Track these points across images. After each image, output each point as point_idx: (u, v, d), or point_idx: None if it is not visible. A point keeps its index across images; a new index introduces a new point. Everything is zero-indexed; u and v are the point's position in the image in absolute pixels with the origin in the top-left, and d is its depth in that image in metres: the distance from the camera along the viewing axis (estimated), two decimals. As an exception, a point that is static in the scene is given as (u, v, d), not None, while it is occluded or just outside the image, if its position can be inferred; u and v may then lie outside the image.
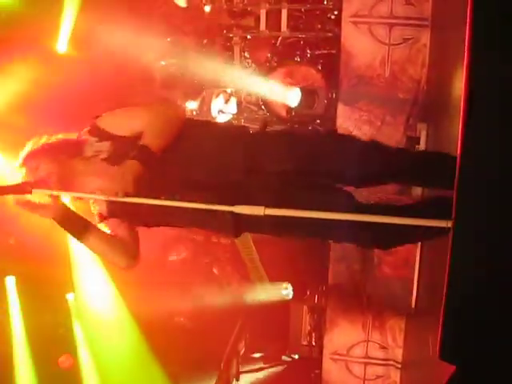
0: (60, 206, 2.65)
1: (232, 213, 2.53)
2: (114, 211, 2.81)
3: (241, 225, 2.74)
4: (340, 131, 5.70)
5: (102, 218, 2.87)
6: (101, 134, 2.75)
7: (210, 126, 3.00)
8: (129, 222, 2.86)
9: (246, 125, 2.92)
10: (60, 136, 2.87)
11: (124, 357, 6.27)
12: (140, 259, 2.88)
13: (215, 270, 7.11)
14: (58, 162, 2.71)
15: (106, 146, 2.73)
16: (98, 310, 6.18)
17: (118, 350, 6.24)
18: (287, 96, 6.25)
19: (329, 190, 2.78)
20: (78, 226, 2.70)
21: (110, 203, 2.72)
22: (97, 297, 6.20)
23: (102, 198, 2.68)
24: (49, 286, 6.06)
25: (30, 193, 2.53)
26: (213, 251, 7.06)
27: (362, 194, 2.82)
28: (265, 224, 2.70)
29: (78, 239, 2.71)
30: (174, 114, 2.79)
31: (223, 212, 2.55)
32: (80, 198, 2.83)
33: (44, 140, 2.84)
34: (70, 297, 6.44)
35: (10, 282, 6.15)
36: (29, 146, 2.81)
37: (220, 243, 6.97)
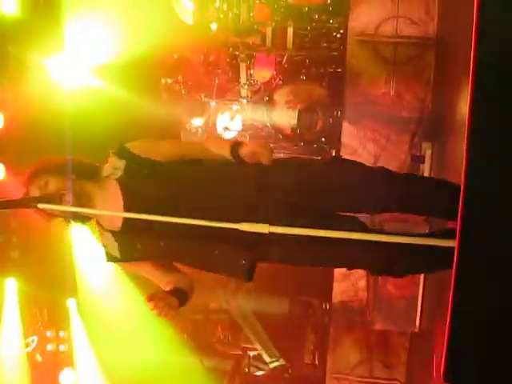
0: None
1: (246, 257, 2.60)
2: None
3: (254, 267, 2.74)
4: (345, 151, 5.73)
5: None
6: (125, 154, 2.75)
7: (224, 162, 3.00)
8: (142, 257, 2.87)
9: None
10: (72, 157, 2.88)
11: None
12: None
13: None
14: (68, 181, 2.70)
15: (122, 164, 2.74)
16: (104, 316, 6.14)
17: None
18: (286, 116, 6.29)
19: (337, 217, 2.77)
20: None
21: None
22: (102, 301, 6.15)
23: (109, 213, 2.69)
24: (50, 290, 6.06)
25: (36, 208, 2.53)
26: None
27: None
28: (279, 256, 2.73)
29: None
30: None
31: (237, 256, 2.61)
32: (88, 218, 2.83)
33: (54, 159, 2.84)
34: (71, 302, 6.44)
35: (11, 284, 6.13)
36: (39, 163, 2.81)
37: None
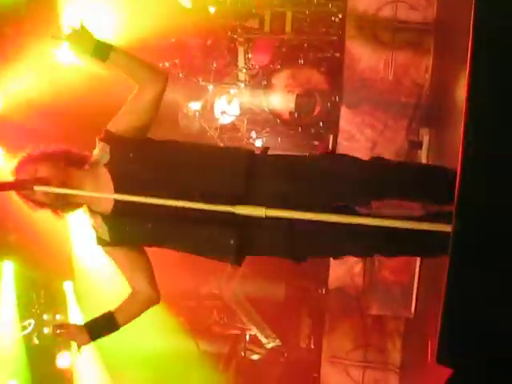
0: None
1: (235, 239, 2.61)
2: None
3: (243, 250, 2.74)
4: (343, 136, 5.73)
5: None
6: (109, 138, 2.76)
7: (210, 146, 3.03)
8: (130, 240, 2.88)
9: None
10: (59, 145, 2.88)
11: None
12: None
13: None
14: (56, 169, 2.70)
15: (107, 148, 2.75)
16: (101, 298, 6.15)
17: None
18: (284, 100, 6.28)
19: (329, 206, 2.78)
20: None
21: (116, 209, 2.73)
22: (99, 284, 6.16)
23: (104, 196, 2.70)
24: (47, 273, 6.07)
25: (32, 189, 2.53)
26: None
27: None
28: (269, 244, 2.75)
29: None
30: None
31: (225, 238, 2.62)
32: (78, 206, 2.84)
33: (43, 147, 2.85)
34: (67, 285, 6.45)
35: (8, 267, 6.13)
36: (27, 152, 2.81)
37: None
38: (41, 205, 2.73)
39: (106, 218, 2.78)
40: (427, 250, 2.96)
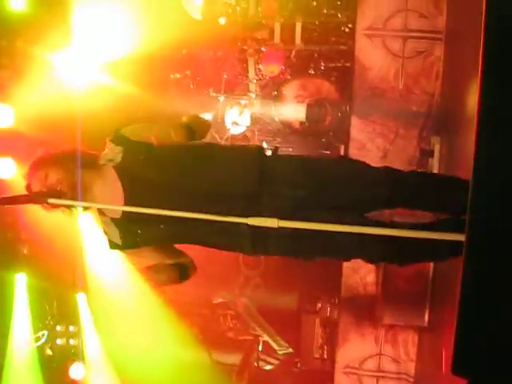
0: None
1: (249, 227, 2.55)
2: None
3: (257, 241, 2.72)
4: (354, 146, 5.72)
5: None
6: (121, 140, 2.77)
7: (225, 147, 3.04)
8: (144, 242, 2.87)
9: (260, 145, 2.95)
10: (68, 146, 2.90)
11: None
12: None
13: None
14: (67, 171, 2.72)
15: (118, 150, 2.75)
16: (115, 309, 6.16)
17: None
18: (294, 110, 6.29)
19: (341, 212, 2.77)
20: None
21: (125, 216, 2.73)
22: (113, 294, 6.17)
23: (116, 208, 2.71)
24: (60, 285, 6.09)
25: (47, 202, 2.54)
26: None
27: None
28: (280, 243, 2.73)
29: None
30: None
31: (240, 227, 2.57)
32: (86, 209, 2.85)
33: (52, 150, 2.86)
34: (80, 297, 6.46)
35: (21, 279, 6.16)
36: (36, 156, 2.83)
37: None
38: (54, 206, 2.73)
39: (116, 221, 2.78)
40: (439, 256, 2.95)
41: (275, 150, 2.90)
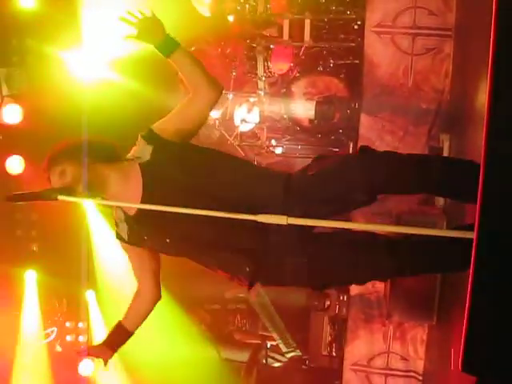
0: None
1: (250, 263, 2.63)
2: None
3: (259, 273, 2.74)
4: (363, 143, 5.70)
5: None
6: (153, 138, 2.75)
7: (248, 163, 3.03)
8: (151, 243, 2.88)
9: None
10: (91, 137, 2.88)
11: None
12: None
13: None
14: (83, 167, 2.69)
15: (150, 149, 2.74)
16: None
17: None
18: (304, 108, 6.28)
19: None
20: None
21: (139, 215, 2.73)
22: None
23: (129, 205, 2.71)
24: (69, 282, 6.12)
25: (56, 199, 2.55)
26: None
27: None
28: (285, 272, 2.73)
29: None
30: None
31: (241, 263, 2.64)
32: (104, 198, 2.85)
33: (70, 142, 2.85)
34: (90, 294, 6.50)
35: (31, 276, 6.19)
36: (54, 149, 2.82)
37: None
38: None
39: (128, 218, 2.78)
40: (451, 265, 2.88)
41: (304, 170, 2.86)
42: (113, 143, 2.86)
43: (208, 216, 2.37)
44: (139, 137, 2.78)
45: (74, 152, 2.75)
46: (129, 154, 2.79)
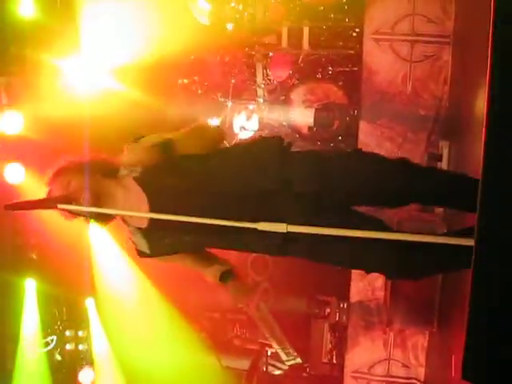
0: None
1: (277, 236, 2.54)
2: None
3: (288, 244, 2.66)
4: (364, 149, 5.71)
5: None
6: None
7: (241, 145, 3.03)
8: (173, 250, 2.87)
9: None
10: (93, 155, 2.88)
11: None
12: None
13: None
14: (90, 181, 2.70)
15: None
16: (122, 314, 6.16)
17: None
18: (303, 115, 6.29)
19: (360, 215, 2.76)
20: None
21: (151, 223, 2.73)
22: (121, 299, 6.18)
23: (129, 214, 2.70)
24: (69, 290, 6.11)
25: (56, 208, 2.54)
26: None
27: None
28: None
29: None
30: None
31: (266, 236, 2.54)
32: (111, 218, 2.85)
33: (77, 158, 2.85)
34: (89, 302, 6.48)
35: (31, 284, 6.18)
36: (61, 163, 2.82)
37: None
38: (75, 215, 2.74)
39: (143, 231, 2.77)
40: (450, 266, 2.90)
41: (288, 146, 2.84)
42: (112, 160, 2.86)
43: (216, 202, 2.46)
44: (125, 148, 2.78)
45: (80, 166, 2.75)
46: (120, 171, 2.77)
